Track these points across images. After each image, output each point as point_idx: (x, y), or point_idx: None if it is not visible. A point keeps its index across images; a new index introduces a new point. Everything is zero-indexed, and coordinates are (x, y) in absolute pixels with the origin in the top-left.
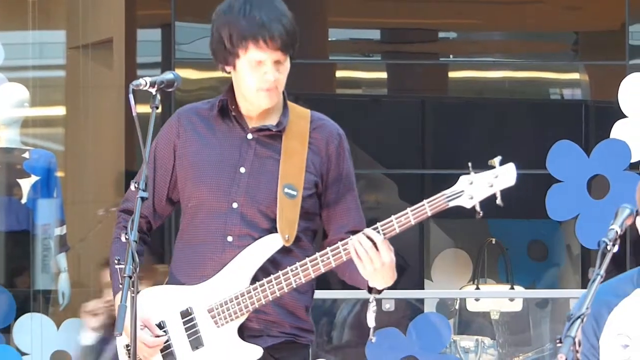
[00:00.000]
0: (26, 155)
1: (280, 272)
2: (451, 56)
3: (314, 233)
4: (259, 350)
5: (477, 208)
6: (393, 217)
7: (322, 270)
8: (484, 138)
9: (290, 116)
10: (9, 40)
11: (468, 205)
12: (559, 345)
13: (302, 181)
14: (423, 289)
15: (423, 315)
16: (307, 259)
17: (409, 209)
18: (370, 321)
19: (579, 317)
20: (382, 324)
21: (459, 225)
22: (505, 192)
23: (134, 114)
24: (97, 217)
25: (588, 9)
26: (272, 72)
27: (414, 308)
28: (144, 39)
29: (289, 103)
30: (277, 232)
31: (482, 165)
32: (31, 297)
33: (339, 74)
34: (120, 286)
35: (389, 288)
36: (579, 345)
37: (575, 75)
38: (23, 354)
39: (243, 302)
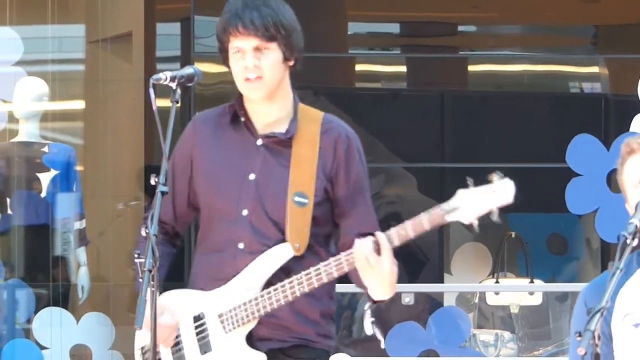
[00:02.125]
0: (45, 149)
1: (286, 281)
2: (470, 50)
3: (328, 237)
4: (262, 357)
5: (475, 224)
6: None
7: (335, 275)
8: (503, 132)
9: (301, 121)
10: (29, 34)
11: (466, 221)
12: (578, 339)
13: (312, 188)
14: (443, 282)
15: (443, 309)
16: (312, 269)
17: (407, 222)
18: (368, 329)
19: (598, 310)
20: (401, 317)
21: (479, 219)
22: (524, 186)
23: (154, 108)
24: (117, 211)
25: (607, 1)
26: (251, 58)
27: (434, 302)
28: (164, 32)
29: (302, 106)
30: (286, 241)
31: (500, 158)
32: (51, 291)
33: (359, 67)
34: (141, 280)
35: (409, 281)
36: (599, 339)
37: (594, 69)
38: (43, 348)
39: (250, 309)
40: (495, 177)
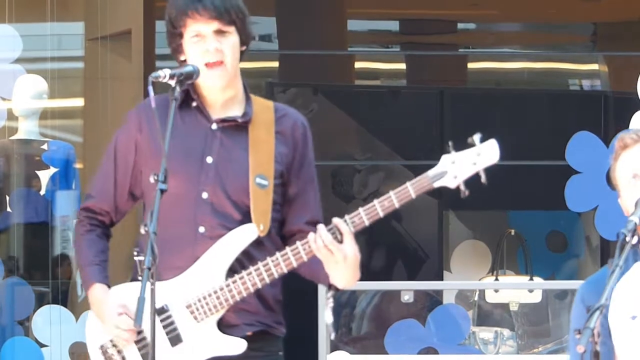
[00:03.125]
0: (45, 146)
1: (260, 264)
2: (470, 47)
3: (280, 224)
4: (242, 344)
5: (462, 187)
6: (375, 201)
7: (305, 258)
8: (503, 129)
9: (254, 107)
10: (28, 31)
11: (452, 185)
12: (577, 336)
13: (272, 171)
14: (442, 280)
15: (442, 307)
16: (288, 249)
17: (391, 192)
18: (328, 317)
19: (597, 308)
20: (401, 315)
21: (478, 216)
22: (524, 183)
23: (152, 105)
24: None
25: None
26: (213, 41)
27: (433, 299)
28: (163, 30)
29: (251, 95)
30: (250, 222)
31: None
32: (50, 289)
33: (358, 65)
34: (140, 278)
35: (408, 279)
36: (598, 337)
37: (594, 66)
38: (42, 345)
39: (223, 296)
40: (476, 139)
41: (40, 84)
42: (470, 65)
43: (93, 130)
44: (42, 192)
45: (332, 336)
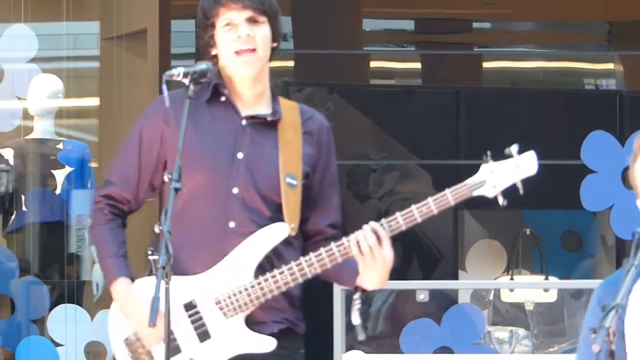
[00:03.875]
0: (60, 146)
1: (293, 263)
2: (485, 46)
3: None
4: (272, 342)
5: (500, 197)
6: (413, 206)
7: (339, 260)
8: (518, 128)
9: (281, 107)
10: (43, 31)
11: (491, 194)
12: (593, 336)
13: (300, 171)
14: (457, 279)
15: (457, 306)
16: (323, 249)
17: (430, 198)
18: (355, 319)
19: (613, 307)
20: (416, 314)
21: (493, 216)
22: (539, 183)
23: (167, 104)
24: None
25: None
26: (245, 28)
27: (448, 299)
28: (178, 29)
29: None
30: (280, 220)
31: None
32: (65, 288)
33: (373, 64)
34: (155, 276)
35: (424, 278)
36: (614, 336)
37: (609, 65)
38: (57, 345)
39: (254, 293)
40: (513, 150)
41: (56, 83)
42: (486, 64)
43: (108, 129)
44: (58, 192)
45: (361, 337)
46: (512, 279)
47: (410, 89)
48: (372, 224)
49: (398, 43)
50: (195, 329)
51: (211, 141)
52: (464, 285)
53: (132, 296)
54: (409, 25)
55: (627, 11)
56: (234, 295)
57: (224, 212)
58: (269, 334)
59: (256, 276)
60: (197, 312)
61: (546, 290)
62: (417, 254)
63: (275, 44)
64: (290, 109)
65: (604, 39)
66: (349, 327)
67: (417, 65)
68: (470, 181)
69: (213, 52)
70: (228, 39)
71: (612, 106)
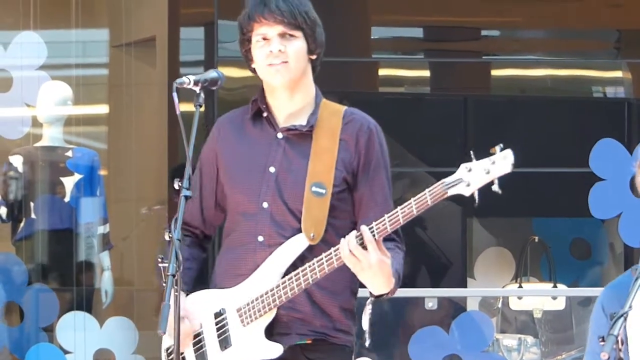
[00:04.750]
0: (69, 153)
1: (299, 269)
2: (494, 54)
3: (347, 229)
4: (279, 348)
5: (475, 196)
6: (398, 208)
7: (335, 264)
8: (527, 136)
9: (322, 114)
10: (53, 38)
11: (466, 193)
12: (602, 343)
13: (331, 179)
14: (466, 287)
15: (466, 314)
16: (323, 254)
17: (412, 200)
18: (365, 324)
19: (621, 315)
20: (424, 322)
21: (502, 223)
22: (548, 191)
23: (177, 112)
24: (140, 216)
25: (630, 6)
26: (276, 44)
27: (457, 306)
28: (187, 37)
29: (326, 101)
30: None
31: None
32: (74, 296)
33: (382, 72)
34: (164, 284)
35: (432, 286)
36: (622, 344)
37: (617, 73)
38: (66, 352)
39: (266, 300)
40: (497, 149)
41: (65, 90)
42: (494, 72)
43: (117, 137)
44: (67, 199)
45: (367, 343)
46: (520, 286)
47: (419, 97)
48: (362, 227)
49: (407, 51)
50: (219, 336)
51: (247, 159)
52: (472, 293)
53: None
54: (417, 33)
55: (636, 19)
56: (251, 302)
57: (254, 227)
58: (294, 344)
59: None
60: (223, 320)
61: (554, 297)
62: (425, 261)
63: (314, 56)
64: (332, 114)
65: (613, 47)
66: (358, 336)
67: (426, 73)
68: (447, 180)
69: (253, 66)
70: (262, 53)
71: (621, 114)
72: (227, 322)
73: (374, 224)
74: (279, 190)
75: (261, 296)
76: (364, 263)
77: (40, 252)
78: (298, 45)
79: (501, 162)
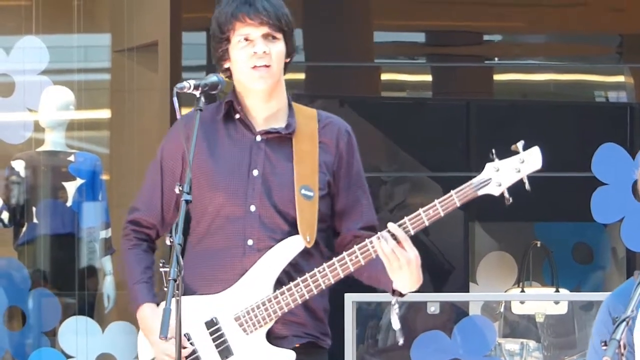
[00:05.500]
0: (71, 158)
1: (307, 275)
2: (496, 59)
3: (327, 235)
4: (291, 355)
5: (506, 194)
6: (420, 210)
7: (352, 269)
8: (529, 140)
9: (297, 117)
10: (54, 43)
11: (496, 192)
12: (604, 348)
13: (316, 182)
14: (468, 291)
15: (468, 318)
16: (335, 259)
17: (436, 201)
18: (395, 324)
19: (623, 320)
20: (427, 326)
21: (504, 228)
22: (550, 195)
23: (178, 117)
24: None
25: (633, 10)
26: (261, 44)
27: (459, 311)
28: (189, 42)
29: (295, 104)
30: (297, 233)
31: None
32: (76, 300)
33: (384, 76)
34: (165, 288)
35: (434, 290)
36: (624, 349)
37: (620, 78)
38: (68, 357)
39: (271, 308)
40: (519, 146)
41: (67, 95)
42: (497, 76)
43: (119, 141)
44: (69, 204)
45: (401, 342)
46: (522, 291)
47: (421, 101)
48: (390, 225)
49: (409, 55)
50: (217, 346)
51: (227, 161)
52: (474, 298)
53: (154, 325)
54: (419, 37)
55: (638, 24)
56: (252, 311)
57: (242, 230)
58: (289, 349)
59: (275, 291)
60: (219, 330)
61: (557, 302)
62: (427, 266)
63: (288, 60)
64: (307, 118)
65: (615, 52)
66: (360, 340)
67: (428, 77)
68: (475, 180)
69: (226, 66)
70: (244, 54)
71: (623, 119)
72: (224, 332)
73: (406, 220)
74: (267, 194)
75: (264, 304)
76: (402, 261)
77: (43, 256)
78: (280, 47)
79: (531, 159)
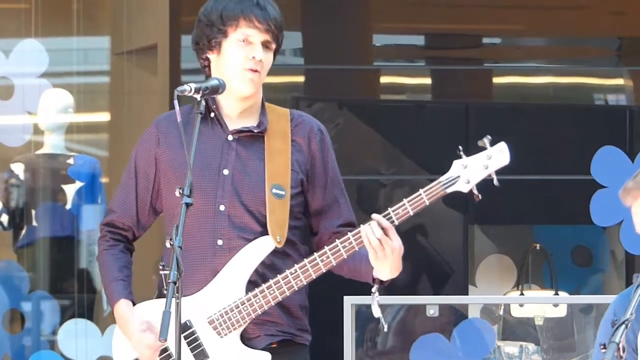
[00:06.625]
0: (70, 161)
1: (279, 277)
2: (495, 62)
3: (302, 232)
4: (266, 356)
5: (475, 191)
6: (391, 208)
7: (334, 263)
8: (528, 143)
9: (270, 116)
10: (54, 46)
11: (465, 189)
12: (603, 351)
13: (288, 180)
14: (467, 294)
15: (467, 321)
16: (306, 260)
17: (405, 200)
18: (376, 312)
19: (623, 322)
20: (426, 329)
21: (503, 231)
22: (549, 198)
23: (178, 119)
24: None
25: (632, 13)
26: (261, 51)
27: (458, 314)
28: (189, 44)
29: (267, 104)
30: (267, 234)
31: (525, 170)
32: (76, 303)
33: (383, 79)
34: (165, 292)
35: (433, 293)
36: (623, 351)
37: (619, 81)
38: (67, 359)
39: (245, 310)
40: (486, 142)
41: (66, 98)
42: (496, 79)
43: (119, 144)
44: (68, 207)
45: (385, 328)
46: (522, 294)
47: (420, 104)
48: (375, 216)
49: (408, 58)
50: (192, 350)
51: (199, 160)
52: (474, 300)
53: (131, 318)
54: (419, 40)
55: (638, 27)
56: (226, 313)
57: (212, 230)
58: (263, 348)
59: (247, 292)
60: (193, 333)
61: (556, 305)
62: (427, 269)
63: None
64: (280, 117)
65: (614, 55)
66: (359, 343)
67: (427, 80)
68: (443, 178)
69: (209, 55)
70: (241, 54)
71: (622, 121)
72: (198, 335)
73: (390, 210)
74: (237, 193)
75: (237, 307)
76: (387, 250)
77: (42, 259)
78: (270, 58)
79: (498, 155)
